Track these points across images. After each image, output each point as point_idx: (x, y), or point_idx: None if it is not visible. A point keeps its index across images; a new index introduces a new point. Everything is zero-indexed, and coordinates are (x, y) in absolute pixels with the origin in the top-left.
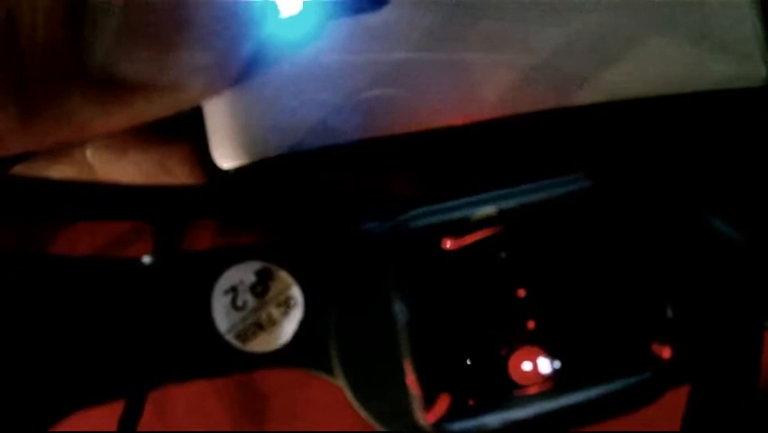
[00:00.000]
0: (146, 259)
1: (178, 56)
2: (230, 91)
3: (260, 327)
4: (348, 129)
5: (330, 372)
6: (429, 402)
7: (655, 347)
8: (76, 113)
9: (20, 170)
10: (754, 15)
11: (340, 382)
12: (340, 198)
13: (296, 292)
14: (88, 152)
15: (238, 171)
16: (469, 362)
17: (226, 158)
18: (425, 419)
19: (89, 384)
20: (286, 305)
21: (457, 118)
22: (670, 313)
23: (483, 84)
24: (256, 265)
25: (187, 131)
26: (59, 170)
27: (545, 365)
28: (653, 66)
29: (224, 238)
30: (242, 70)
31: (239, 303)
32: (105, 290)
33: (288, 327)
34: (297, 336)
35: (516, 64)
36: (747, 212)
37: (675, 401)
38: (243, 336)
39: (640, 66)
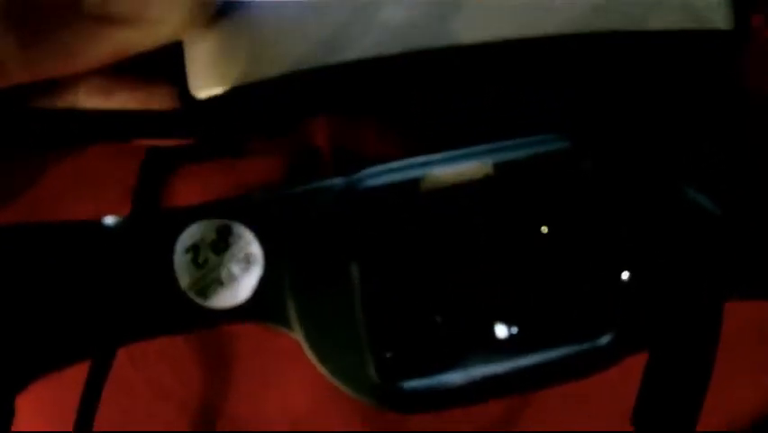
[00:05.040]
0: (108, 220)
1: None
2: (207, 26)
3: (220, 283)
4: (319, 55)
5: (288, 325)
6: (383, 359)
7: (612, 314)
8: (71, 43)
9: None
10: None
11: (298, 335)
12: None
13: (255, 249)
14: (80, 95)
15: (212, 100)
16: (425, 322)
17: (202, 88)
18: (379, 375)
19: (54, 347)
20: (246, 261)
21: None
22: (628, 278)
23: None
24: (216, 222)
25: (169, 75)
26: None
27: (503, 330)
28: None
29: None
30: (218, 6)
31: (200, 260)
32: (68, 252)
33: (248, 283)
34: (257, 291)
35: None
36: (722, 181)
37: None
38: (205, 292)
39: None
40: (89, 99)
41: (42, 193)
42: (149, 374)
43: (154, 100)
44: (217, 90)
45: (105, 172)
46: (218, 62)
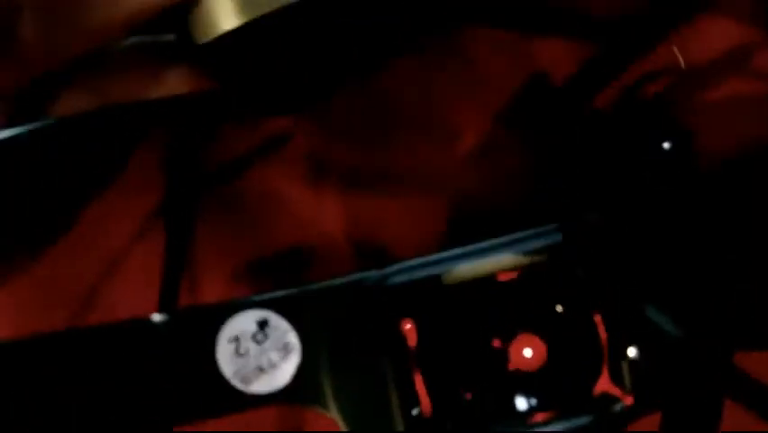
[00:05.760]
0: (155, 317)
1: None
2: None
3: (261, 370)
4: None
5: (326, 407)
6: None
7: (619, 392)
8: (93, 15)
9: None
10: None
11: (335, 416)
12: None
13: (293, 338)
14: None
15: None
16: (450, 397)
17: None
18: None
19: None
20: (284, 349)
21: None
22: (634, 354)
23: None
24: (255, 315)
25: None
26: (78, 101)
27: (523, 402)
28: None
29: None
30: None
31: (241, 350)
32: (119, 353)
33: (287, 369)
34: (296, 377)
35: None
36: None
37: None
38: (247, 379)
39: None
40: (109, 81)
41: (79, 282)
42: None
43: (167, 86)
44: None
45: (130, 258)
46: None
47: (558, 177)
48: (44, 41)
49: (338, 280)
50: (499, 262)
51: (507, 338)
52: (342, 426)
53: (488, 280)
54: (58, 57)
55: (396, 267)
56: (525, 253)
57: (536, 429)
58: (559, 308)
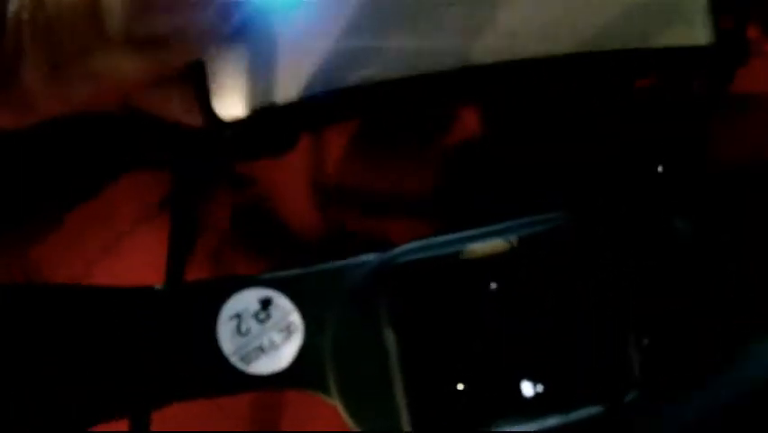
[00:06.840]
0: (157, 287)
1: (178, 19)
2: (227, 51)
3: (262, 350)
4: (338, 78)
5: (327, 392)
6: (419, 423)
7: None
8: (98, 70)
9: None
10: None
11: (336, 401)
12: None
13: (296, 318)
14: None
15: (236, 121)
16: (457, 384)
17: (225, 108)
18: None
19: (104, 405)
20: (287, 330)
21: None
22: (645, 342)
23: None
24: (259, 293)
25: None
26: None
27: (529, 389)
28: (602, 21)
29: (228, 265)
30: (234, 30)
31: (243, 329)
32: (120, 317)
33: (289, 351)
34: (297, 359)
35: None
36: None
37: None
38: (247, 358)
39: (588, 21)
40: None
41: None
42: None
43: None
44: (240, 111)
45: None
46: (240, 86)
47: (560, 168)
48: (51, 90)
49: (344, 261)
50: (503, 244)
51: (511, 324)
52: (343, 413)
53: (492, 263)
54: (67, 106)
55: (400, 249)
56: (530, 237)
57: (543, 420)
58: (567, 292)
